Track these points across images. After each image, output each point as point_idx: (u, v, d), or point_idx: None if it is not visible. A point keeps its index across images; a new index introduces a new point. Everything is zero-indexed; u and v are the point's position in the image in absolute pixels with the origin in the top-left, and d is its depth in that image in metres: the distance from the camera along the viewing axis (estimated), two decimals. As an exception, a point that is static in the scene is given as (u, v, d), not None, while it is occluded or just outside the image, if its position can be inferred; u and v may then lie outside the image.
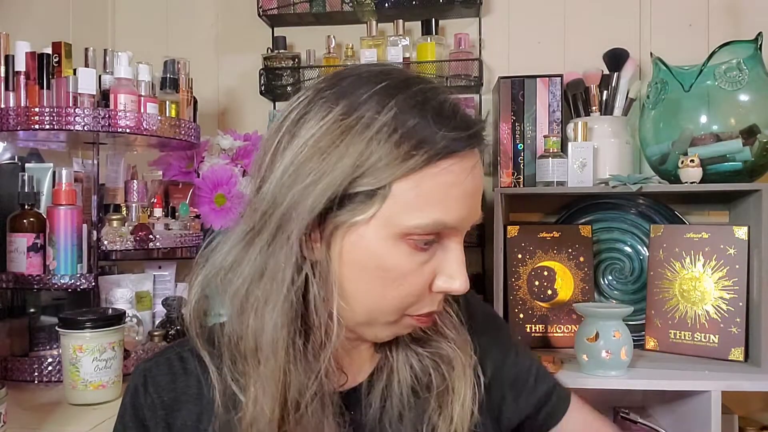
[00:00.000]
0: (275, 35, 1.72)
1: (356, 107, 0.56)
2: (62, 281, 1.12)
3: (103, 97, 1.23)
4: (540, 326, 1.46)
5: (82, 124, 1.12)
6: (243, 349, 0.60)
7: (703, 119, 1.35)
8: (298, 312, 0.58)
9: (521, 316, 1.46)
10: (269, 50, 1.71)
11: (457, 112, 0.59)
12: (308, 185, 0.55)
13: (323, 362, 0.60)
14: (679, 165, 1.33)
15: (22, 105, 1.17)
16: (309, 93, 0.59)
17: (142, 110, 1.22)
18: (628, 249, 1.56)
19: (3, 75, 1.17)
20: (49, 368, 1.12)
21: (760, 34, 1.32)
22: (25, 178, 1.16)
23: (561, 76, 1.53)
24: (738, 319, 1.33)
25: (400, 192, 0.55)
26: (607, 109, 1.54)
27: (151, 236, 1.23)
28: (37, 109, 1.11)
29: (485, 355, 0.71)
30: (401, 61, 1.62)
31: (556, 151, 1.43)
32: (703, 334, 1.37)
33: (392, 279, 0.58)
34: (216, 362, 0.62)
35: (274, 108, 1.77)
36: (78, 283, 1.13)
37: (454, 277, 0.59)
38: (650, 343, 1.43)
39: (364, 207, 0.56)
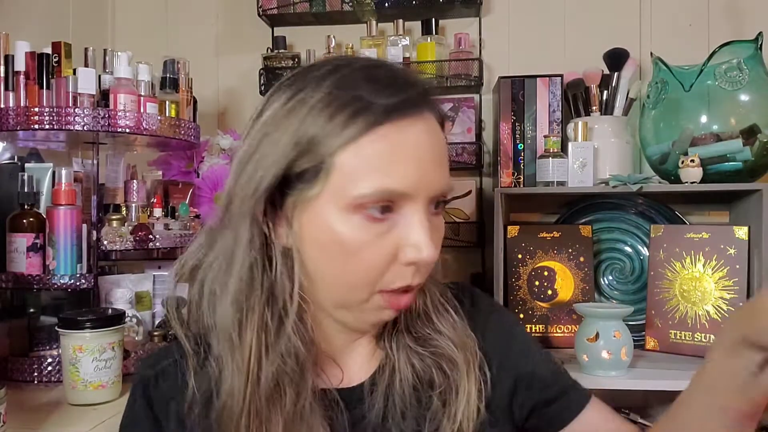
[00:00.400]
0: (275, 35, 1.72)
1: (298, 91, 0.59)
2: (62, 281, 1.12)
3: (103, 97, 1.23)
4: (540, 326, 1.46)
5: (82, 124, 1.12)
6: (218, 335, 0.62)
7: (704, 119, 1.35)
8: (268, 296, 0.60)
9: (521, 316, 1.46)
10: (269, 50, 1.71)
11: (396, 78, 0.59)
12: (257, 167, 0.59)
13: (299, 348, 0.60)
14: (680, 165, 1.33)
15: (22, 105, 1.17)
16: (274, 86, 0.63)
17: (141, 110, 1.22)
18: (628, 249, 1.56)
19: (3, 75, 1.17)
20: (49, 368, 1.12)
21: (760, 34, 1.32)
22: (25, 178, 1.16)
23: (561, 75, 1.53)
24: (738, 319, 1.32)
25: (342, 164, 0.57)
26: (607, 109, 1.54)
27: (150, 236, 1.23)
28: (36, 109, 1.11)
29: (492, 350, 0.70)
30: (401, 60, 1.61)
31: (556, 151, 1.43)
32: (703, 335, 1.36)
33: (351, 253, 0.58)
34: (200, 353, 0.65)
35: (274, 108, 1.76)
36: (78, 283, 1.13)
37: (419, 247, 0.57)
38: (650, 344, 1.43)
39: (313, 183, 0.58)
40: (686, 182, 1.33)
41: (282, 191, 0.59)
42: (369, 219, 0.57)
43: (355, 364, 0.68)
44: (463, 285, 0.78)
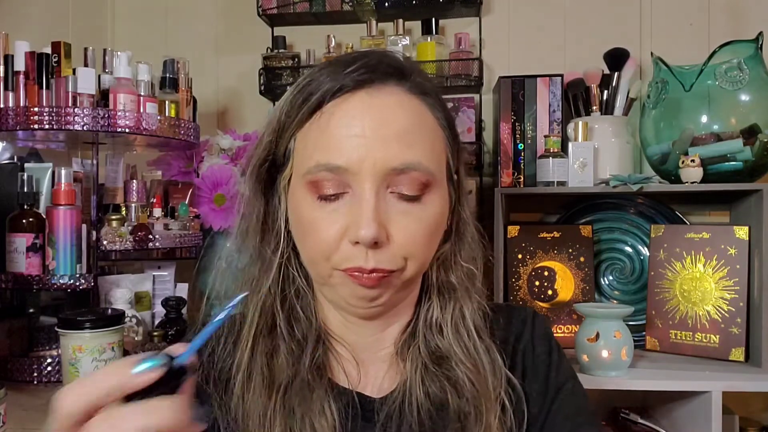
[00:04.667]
0: (275, 35, 1.72)
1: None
2: (61, 281, 1.12)
3: (103, 97, 1.23)
4: (540, 326, 1.46)
5: (82, 123, 1.12)
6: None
7: (704, 119, 1.35)
8: (280, 276, 0.65)
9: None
10: (269, 50, 1.70)
11: (357, 58, 0.60)
12: (257, 146, 0.65)
13: (300, 320, 0.65)
14: (680, 165, 1.33)
15: (22, 105, 1.16)
16: None
17: (141, 110, 1.22)
18: (628, 249, 1.55)
19: (2, 75, 1.17)
20: (49, 368, 1.12)
21: (760, 33, 1.32)
22: (25, 178, 1.15)
23: (561, 75, 1.53)
24: (739, 320, 1.32)
25: (298, 145, 0.61)
26: (607, 108, 1.54)
27: (150, 236, 1.23)
28: (36, 109, 1.11)
29: (528, 386, 0.67)
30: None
31: (556, 151, 1.43)
32: (703, 335, 1.36)
33: (306, 229, 0.60)
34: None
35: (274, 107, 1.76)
36: (77, 284, 1.12)
37: (358, 223, 0.57)
38: (651, 344, 1.42)
39: (286, 165, 0.63)
40: (686, 182, 1.33)
41: (275, 172, 0.64)
42: (322, 198, 0.59)
43: (374, 368, 0.67)
44: (517, 307, 0.75)
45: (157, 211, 1.32)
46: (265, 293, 0.64)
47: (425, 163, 0.59)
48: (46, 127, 1.11)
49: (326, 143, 0.58)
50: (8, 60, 1.18)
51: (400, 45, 1.63)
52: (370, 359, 0.67)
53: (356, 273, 0.58)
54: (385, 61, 0.61)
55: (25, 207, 1.14)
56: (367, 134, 0.57)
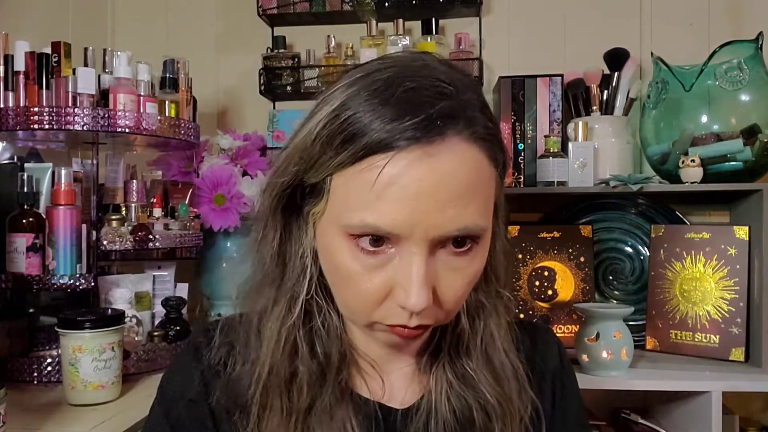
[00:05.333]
0: (275, 35, 1.72)
1: (321, 100, 0.57)
2: (61, 281, 1.12)
3: (103, 97, 1.22)
4: (540, 326, 1.46)
5: (82, 123, 1.11)
6: (250, 330, 0.63)
7: (704, 119, 1.35)
8: (291, 293, 0.61)
9: (521, 316, 1.46)
10: (269, 50, 1.70)
11: (410, 100, 0.51)
12: (279, 169, 0.59)
13: (322, 345, 0.61)
14: (680, 165, 1.33)
15: (22, 105, 1.16)
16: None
17: (141, 110, 1.22)
18: (628, 249, 1.55)
19: (2, 75, 1.17)
20: (49, 368, 1.12)
21: (760, 33, 1.32)
22: (25, 178, 1.15)
23: (561, 75, 1.53)
24: (739, 320, 1.32)
25: (336, 188, 0.54)
26: (607, 108, 1.54)
27: (150, 236, 1.23)
28: (36, 109, 1.11)
29: (548, 402, 0.68)
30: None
31: (556, 151, 1.43)
32: (703, 335, 1.36)
33: (343, 278, 0.56)
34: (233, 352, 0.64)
35: (274, 108, 1.77)
36: (77, 284, 1.12)
37: (408, 293, 0.52)
38: (651, 344, 1.42)
39: (318, 200, 0.56)
40: (686, 182, 1.33)
41: (302, 198, 0.59)
42: (360, 250, 0.53)
43: (397, 381, 0.65)
44: (536, 328, 0.75)
45: (157, 211, 1.32)
46: (283, 315, 0.60)
47: (480, 223, 0.54)
48: (46, 127, 1.11)
49: (374, 203, 0.51)
50: (8, 60, 1.18)
51: (400, 45, 1.63)
52: (392, 372, 0.65)
53: (399, 329, 0.56)
54: (444, 109, 0.52)
55: (25, 207, 1.14)
56: (423, 199, 0.51)
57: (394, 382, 0.65)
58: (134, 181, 1.31)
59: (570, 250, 1.48)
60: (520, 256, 1.48)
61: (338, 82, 0.57)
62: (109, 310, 1.10)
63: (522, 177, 1.51)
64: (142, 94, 1.24)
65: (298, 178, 0.57)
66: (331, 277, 0.58)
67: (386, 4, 1.63)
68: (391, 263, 0.53)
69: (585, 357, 1.26)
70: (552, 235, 1.49)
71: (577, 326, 1.36)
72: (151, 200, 1.34)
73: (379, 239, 0.53)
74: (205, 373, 0.63)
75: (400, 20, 1.65)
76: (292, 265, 0.61)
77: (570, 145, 1.43)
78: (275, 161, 0.60)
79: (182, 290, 1.45)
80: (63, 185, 1.12)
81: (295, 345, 0.60)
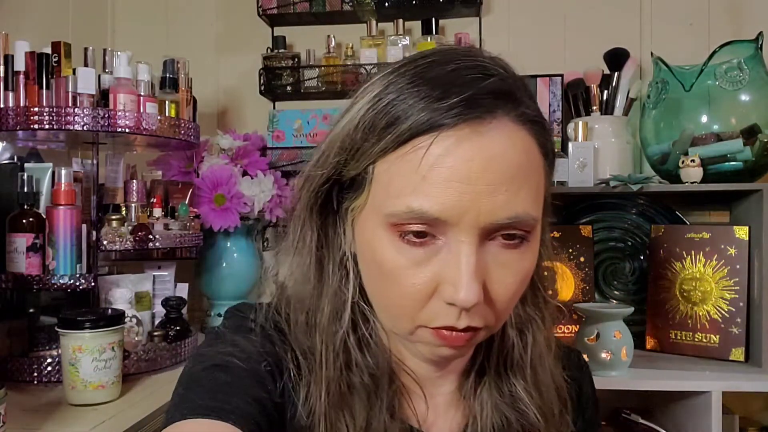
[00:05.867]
0: (275, 35, 1.72)
1: (363, 90, 0.54)
2: (61, 281, 1.12)
3: (103, 97, 1.23)
4: (540, 326, 1.46)
5: (82, 123, 1.11)
6: (294, 334, 0.57)
7: (704, 119, 1.35)
8: (335, 301, 0.56)
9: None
10: (269, 50, 1.70)
11: (455, 78, 0.49)
12: (318, 163, 0.55)
13: (366, 362, 0.56)
14: (680, 165, 1.33)
15: (22, 105, 1.16)
16: None
17: (141, 110, 1.22)
18: (628, 249, 1.55)
19: (2, 75, 1.17)
20: (49, 368, 1.12)
21: (760, 33, 1.32)
22: (25, 178, 1.15)
23: (561, 75, 1.53)
24: (739, 320, 1.32)
25: (379, 176, 0.50)
26: (607, 108, 1.54)
27: (150, 236, 1.23)
28: (36, 109, 1.11)
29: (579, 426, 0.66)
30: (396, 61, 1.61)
31: (556, 150, 1.43)
32: (703, 335, 1.36)
33: (386, 275, 0.51)
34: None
35: (274, 108, 1.77)
36: (77, 284, 1.12)
37: (456, 286, 0.48)
38: (651, 344, 1.42)
39: (358, 193, 0.53)
40: (686, 182, 1.33)
41: (340, 196, 0.55)
42: (404, 242, 0.49)
43: (441, 407, 0.61)
44: (573, 349, 0.71)
45: (157, 211, 1.32)
46: (331, 324, 0.56)
47: (531, 212, 0.50)
48: (46, 127, 1.11)
49: (420, 186, 0.48)
50: (8, 60, 1.18)
51: (400, 45, 1.63)
52: (435, 393, 0.61)
53: (447, 331, 0.51)
54: (491, 86, 0.49)
55: (25, 207, 1.14)
56: (472, 181, 0.47)
57: (438, 407, 0.61)
58: (134, 181, 1.31)
59: (570, 250, 1.47)
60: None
61: (378, 73, 0.54)
62: (109, 310, 1.10)
63: (522, 177, 1.51)
64: (142, 94, 1.24)
65: (337, 170, 0.53)
66: (373, 277, 0.54)
67: (386, 4, 1.64)
68: (438, 256, 0.49)
69: (585, 357, 1.26)
70: (552, 235, 1.48)
71: (577, 326, 1.36)
72: (151, 200, 1.34)
73: (422, 233, 0.49)
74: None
75: (400, 20, 1.65)
76: (333, 269, 0.57)
77: (570, 145, 1.43)
78: (313, 154, 0.56)
79: (182, 290, 1.45)
80: (63, 185, 1.12)
81: (348, 356, 0.55)
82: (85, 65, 1.22)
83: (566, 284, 1.47)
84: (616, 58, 1.54)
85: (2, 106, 1.16)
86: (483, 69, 0.50)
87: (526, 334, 0.60)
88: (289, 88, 1.69)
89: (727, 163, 1.33)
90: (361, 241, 0.54)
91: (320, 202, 0.56)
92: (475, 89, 0.48)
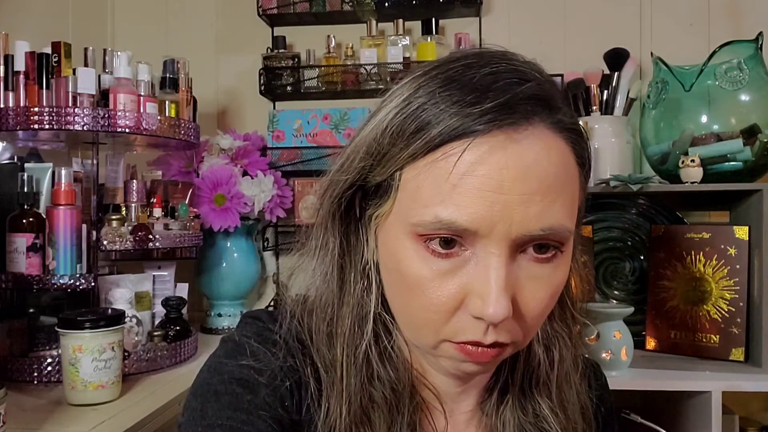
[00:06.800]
0: (275, 35, 1.72)
1: (390, 94, 0.52)
2: (61, 281, 1.12)
3: (103, 97, 1.23)
4: (540, 326, 1.46)
5: (82, 123, 1.11)
6: (314, 347, 0.56)
7: (704, 119, 1.35)
8: (357, 312, 0.55)
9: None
10: (269, 50, 1.70)
11: (490, 83, 0.47)
12: (342, 168, 0.53)
13: (387, 375, 0.54)
14: (680, 165, 1.33)
15: (22, 105, 1.16)
16: None
17: (141, 110, 1.22)
18: (628, 249, 1.55)
19: (2, 75, 1.17)
20: (49, 368, 1.12)
21: (760, 33, 1.32)
22: (25, 178, 1.15)
23: (561, 75, 1.53)
24: (739, 320, 1.32)
25: (406, 184, 0.48)
26: (607, 108, 1.54)
27: (150, 236, 1.23)
28: (36, 109, 1.11)
29: None
30: (401, 60, 1.61)
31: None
32: (703, 335, 1.36)
33: (410, 286, 0.49)
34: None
35: (274, 108, 1.77)
36: (77, 284, 1.12)
37: (484, 300, 0.46)
38: (651, 344, 1.42)
39: (384, 200, 0.51)
40: (686, 182, 1.33)
41: (364, 202, 0.54)
42: (430, 252, 0.47)
43: (461, 425, 0.59)
44: (594, 363, 0.69)
45: (157, 211, 1.32)
46: (354, 336, 0.54)
47: (566, 224, 0.48)
48: (46, 127, 1.11)
49: (450, 196, 0.46)
50: (8, 60, 1.18)
51: (400, 45, 1.63)
52: (455, 409, 0.59)
53: (472, 346, 0.49)
54: (528, 91, 0.47)
55: (25, 207, 1.14)
56: (505, 190, 0.45)
57: (458, 424, 0.59)
58: (134, 181, 1.32)
59: (570, 250, 1.47)
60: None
61: (407, 77, 0.52)
62: (109, 310, 1.10)
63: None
64: (142, 94, 1.24)
65: (362, 176, 0.51)
66: (396, 287, 0.52)
67: (386, 4, 1.64)
68: (466, 268, 0.47)
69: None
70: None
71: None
72: (151, 200, 1.34)
73: (451, 240, 0.47)
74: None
75: (400, 20, 1.65)
76: (355, 278, 0.55)
77: (570, 145, 1.43)
78: (337, 158, 0.54)
79: (182, 290, 1.45)
80: (63, 185, 1.12)
81: (369, 369, 0.53)
82: (85, 65, 1.22)
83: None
84: (616, 58, 1.54)
85: (2, 106, 1.16)
86: (519, 74, 0.49)
87: (553, 351, 0.57)
88: (289, 88, 1.69)
89: (727, 163, 1.33)
90: (385, 251, 0.52)
91: (343, 208, 0.54)
92: (510, 94, 0.46)
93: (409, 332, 0.53)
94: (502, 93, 0.46)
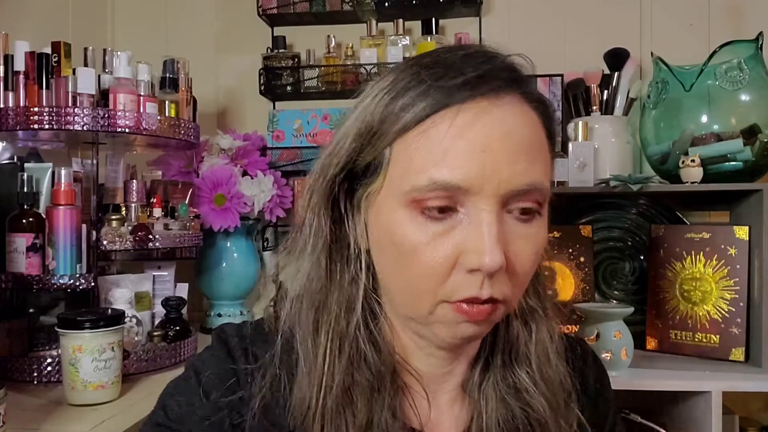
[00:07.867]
0: (275, 35, 1.72)
1: (375, 81, 0.56)
2: (61, 281, 1.12)
3: (103, 97, 1.23)
4: (540, 326, 1.45)
5: (82, 123, 1.11)
6: (299, 334, 0.58)
7: (704, 119, 1.35)
8: (345, 297, 0.57)
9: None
10: (269, 50, 1.70)
11: (471, 57, 0.53)
12: (331, 154, 0.56)
13: (372, 358, 0.56)
14: (680, 165, 1.33)
15: (22, 105, 1.16)
16: None
17: (141, 110, 1.22)
18: (628, 249, 1.55)
19: (2, 75, 1.17)
20: (49, 368, 1.12)
21: (760, 33, 1.32)
22: (25, 178, 1.15)
23: (561, 75, 1.53)
24: (739, 320, 1.32)
25: (399, 154, 0.52)
26: (607, 108, 1.54)
27: (150, 236, 1.23)
28: (36, 109, 1.11)
29: (593, 418, 0.65)
30: (401, 60, 1.61)
31: (556, 150, 1.43)
32: (703, 335, 1.36)
33: (406, 254, 0.52)
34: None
35: (274, 108, 1.77)
36: (77, 284, 1.12)
37: (480, 251, 0.49)
38: (651, 344, 1.42)
39: (375, 177, 0.54)
40: (687, 182, 1.33)
41: (354, 184, 0.57)
42: (426, 217, 0.51)
43: (444, 404, 0.61)
44: (578, 340, 0.72)
45: (157, 211, 1.32)
46: (341, 318, 0.56)
47: (545, 183, 0.53)
48: (46, 127, 1.11)
49: (442, 157, 0.50)
50: (8, 60, 1.18)
51: (400, 45, 1.63)
52: (438, 391, 0.61)
53: (468, 305, 0.51)
54: (501, 65, 0.54)
55: (25, 207, 1.14)
56: (494, 149, 0.50)
57: (440, 404, 0.61)
58: (134, 181, 1.32)
59: (570, 250, 1.47)
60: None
61: (386, 71, 0.58)
62: (109, 310, 1.10)
63: (522, 177, 1.51)
64: (142, 94, 1.24)
65: (352, 158, 0.55)
66: (390, 263, 0.55)
67: (386, 4, 1.64)
68: (459, 228, 0.51)
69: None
70: (552, 235, 1.48)
71: (577, 326, 1.36)
72: (151, 200, 1.34)
73: (445, 204, 0.51)
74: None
75: (400, 20, 1.65)
76: (344, 264, 0.58)
77: (570, 145, 1.43)
78: (327, 145, 0.58)
79: (182, 290, 1.45)
80: (63, 185, 1.12)
81: (354, 352, 0.56)
82: (85, 65, 1.22)
83: (566, 284, 1.47)
84: (616, 58, 1.54)
85: (2, 106, 1.16)
86: (490, 53, 0.54)
87: (531, 324, 0.61)
88: (289, 88, 1.69)
89: (727, 163, 1.33)
90: (377, 228, 0.55)
91: (334, 194, 0.57)
92: (488, 66, 0.52)
93: (406, 304, 0.56)
94: (480, 66, 0.52)
